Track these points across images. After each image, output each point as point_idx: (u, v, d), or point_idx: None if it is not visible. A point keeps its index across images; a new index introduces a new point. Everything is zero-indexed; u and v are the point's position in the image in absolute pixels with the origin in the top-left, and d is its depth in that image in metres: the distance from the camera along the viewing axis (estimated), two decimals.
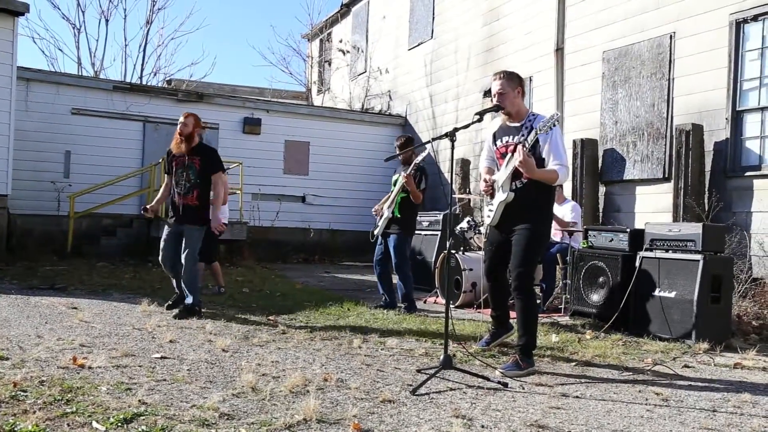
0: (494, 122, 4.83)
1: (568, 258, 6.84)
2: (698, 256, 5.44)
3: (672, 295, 5.55)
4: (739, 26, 7.45)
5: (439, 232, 8.81)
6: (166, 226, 6.16)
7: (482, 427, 3.10)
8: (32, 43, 32.76)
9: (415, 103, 14.36)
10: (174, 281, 6.25)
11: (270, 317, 6.11)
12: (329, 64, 19.08)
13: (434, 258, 8.44)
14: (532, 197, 4.36)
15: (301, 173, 14.16)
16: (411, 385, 3.75)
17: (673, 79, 8.20)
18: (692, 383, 4.15)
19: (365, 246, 8.53)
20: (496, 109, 4.63)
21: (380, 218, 6.84)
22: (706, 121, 7.75)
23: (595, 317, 6.10)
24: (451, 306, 6.14)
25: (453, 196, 7.84)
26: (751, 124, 7.39)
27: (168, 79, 20.83)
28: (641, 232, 6.07)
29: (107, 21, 21.01)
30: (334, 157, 14.29)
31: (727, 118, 7.53)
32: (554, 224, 6.03)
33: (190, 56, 51.19)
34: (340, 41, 17.87)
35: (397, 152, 6.78)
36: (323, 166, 14.23)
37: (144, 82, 19.65)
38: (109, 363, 3.99)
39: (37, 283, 7.87)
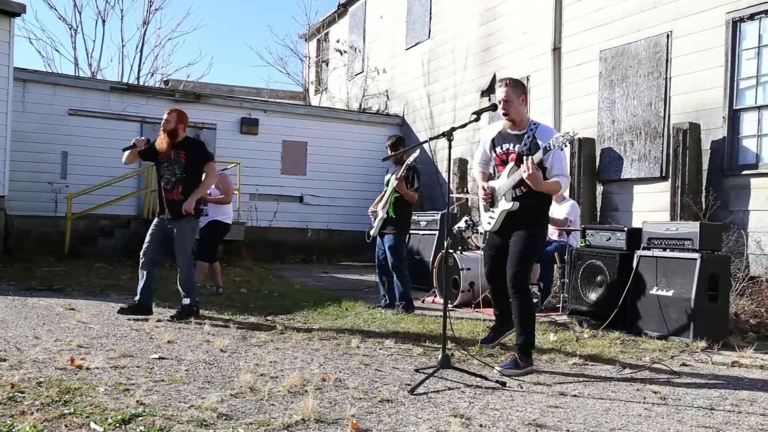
0: (491, 126, 4.82)
1: (566, 257, 6.84)
2: (695, 255, 5.45)
3: (669, 293, 5.56)
4: (735, 25, 7.47)
5: (436, 232, 8.82)
6: (155, 219, 6.03)
7: (480, 426, 3.10)
8: (29, 44, 32.78)
9: (412, 103, 14.36)
10: (141, 282, 5.88)
11: (268, 317, 6.11)
12: (326, 64, 19.07)
13: (432, 257, 8.44)
14: (532, 204, 4.41)
15: (299, 173, 14.15)
16: (409, 385, 3.75)
17: (670, 78, 8.21)
18: (690, 381, 4.16)
19: (363, 246, 8.54)
20: (493, 108, 4.64)
21: (375, 219, 6.87)
22: (703, 119, 7.76)
23: (593, 316, 6.11)
24: (450, 305, 6.14)
25: (450, 195, 7.84)
26: (748, 123, 7.41)
27: (165, 79, 20.81)
28: (639, 231, 6.08)
29: (104, 21, 21.00)
30: (332, 157, 14.28)
31: (724, 117, 7.54)
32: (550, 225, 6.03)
33: (187, 57, 51.23)
34: (338, 41, 17.86)
35: (389, 153, 6.83)
36: (321, 166, 14.22)
37: (141, 83, 19.62)
38: (107, 364, 3.98)
39: (35, 285, 7.86)
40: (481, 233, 7.52)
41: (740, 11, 7.40)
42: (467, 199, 10.35)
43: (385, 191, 6.85)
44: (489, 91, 11.52)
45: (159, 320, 5.71)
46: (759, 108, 7.28)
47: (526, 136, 4.42)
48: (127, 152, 6.00)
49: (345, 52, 17.44)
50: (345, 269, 12.18)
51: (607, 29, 9.13)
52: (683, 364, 4.64)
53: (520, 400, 3.57)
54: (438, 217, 8.96)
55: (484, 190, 4.58)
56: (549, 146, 4.18)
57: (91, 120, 12.42)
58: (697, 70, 7.86)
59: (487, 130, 4.81)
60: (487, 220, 4.63)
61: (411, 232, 8.86)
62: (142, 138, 6.12)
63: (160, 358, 4.25)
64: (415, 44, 14.21)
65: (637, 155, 8.58)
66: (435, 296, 7.85)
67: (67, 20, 21.26)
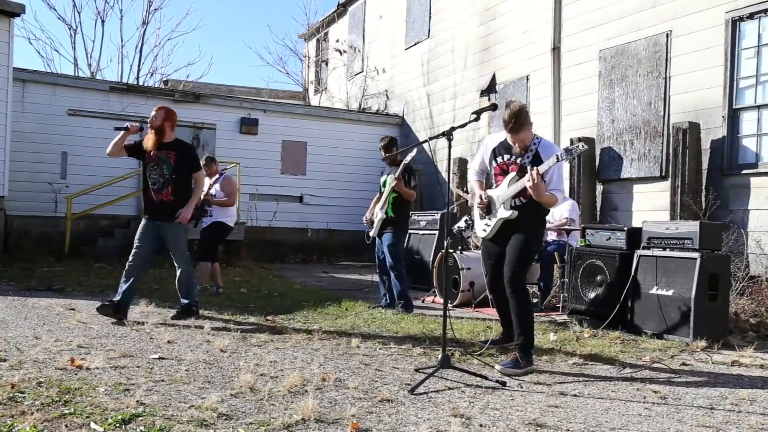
0: (493, 136, 4.86)
1: (565, 256, 6.84)
2: (695, 254, 5.45)
3: (669, 293, 5.56)
4: (735, 24, 7.47)
5: (436, 232, 8.82)
6: (143, 220, 5.95)
7: (480, 426, 3.10)
8: (28, 44, 32.83)
9: (412, 103, 14.36)
10: (122, 285, 5.68)
11: (268, 317, 6.11)
12: (326, 64, 19.07)
13: (432, 257, 8.45)
14: (530, 212, 4.48)
15: (299, 173, 14.15)
16: (409, 385, 3.75)
17: (670, 77, 8.21)
18: (690, 381, 4.16)
19: (363, 246, 8.53)
20: (493, 108, 4.68)
21: (372, 221, 6.89)
22: (703, 119, 7.76)
23: (593, 315, 6.11)
24: (450, 305, 6.14)
25: (450, 195, 7.85)
26: (748, 122, 7.41)
27: (165, 79, 20.81)
28: (639, 230, 6.08)
29: (103, 22, 21.00)
30: (332, 156, 14.28)
31: (723, 116, 7.54)
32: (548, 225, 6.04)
33: (186, 57, 51.23)
34: (337, 41, 17.86)
35: (383, 154, 6.86)
36: (320, 166, 14.22)
37: (141, 83, 19.61)
38: (107, 364, 3.98)
39: (35, 285, 7.86)
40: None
41: (739, 10, 7.40)
42: (467, 198, 10.34)
43: (381, 193, 6.87)
44: (488, 90, 11.52)
45: (159, 321, 5.70)
46: (758, 107, 7.28)
47: (529, 149, 4.50)
48: (119, 134, 5.84)
49: (344, 51, 17.44)
50: (345, 269, 12.18)
51: (607, 29, 9.13)
52: (683, 364, 4.64)
53: (520, 400, 3.57)
54: (438, 216, 8.97)
55: (481, 198, 4.62)
56: (560, 158, 4.25)
57: (90, 120, 12.41)
58: (697, 70, 7.87)
59: (489, 138, 4.87)
60: (483, 228, 4.68)
61: (411, 231, 8.88)
62: (136, 123, 6.04)
63: (160, 358, 4.25)
64: (415, 44, 14.21)
65: (637, 155, 8.58)
66: (435, 296, 7.85)
67: (67, 20, 21.31)
